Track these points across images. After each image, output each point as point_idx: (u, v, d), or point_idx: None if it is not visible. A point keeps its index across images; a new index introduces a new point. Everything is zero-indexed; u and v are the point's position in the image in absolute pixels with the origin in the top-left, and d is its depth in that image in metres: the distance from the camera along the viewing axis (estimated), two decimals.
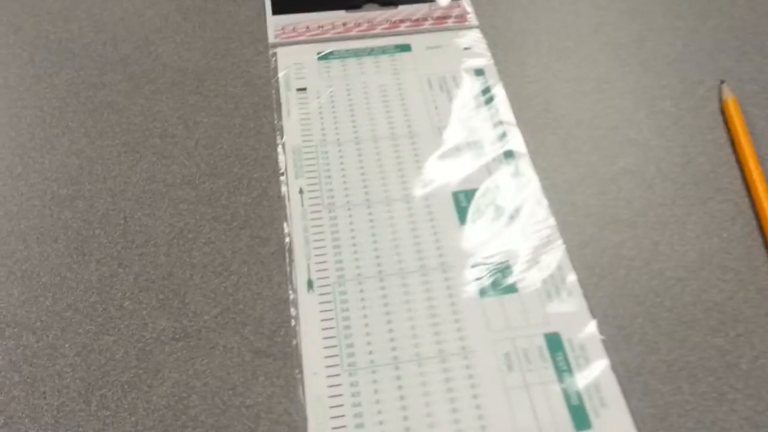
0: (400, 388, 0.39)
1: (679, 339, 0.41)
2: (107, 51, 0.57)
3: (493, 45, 0.57)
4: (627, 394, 0.39)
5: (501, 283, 0.43)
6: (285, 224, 0.46)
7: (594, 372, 0.39)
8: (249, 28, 0.59)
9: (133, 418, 0.38)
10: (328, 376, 0.39)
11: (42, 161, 0.49)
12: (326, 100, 0.53)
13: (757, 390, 0.39)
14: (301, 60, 0.56)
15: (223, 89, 0.54)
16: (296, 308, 0.42)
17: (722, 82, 0.53)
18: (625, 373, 0.40)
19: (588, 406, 0.38)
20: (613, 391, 0.39)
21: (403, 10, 0.60)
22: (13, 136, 0.51)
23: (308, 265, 0.44)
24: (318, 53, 0.56)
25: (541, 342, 0.41)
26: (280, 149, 0.50)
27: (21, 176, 0.49)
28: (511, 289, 0.43)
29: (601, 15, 0.59)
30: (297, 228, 0.45)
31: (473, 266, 0.44)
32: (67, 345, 0.41)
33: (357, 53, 0.56)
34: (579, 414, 0.38)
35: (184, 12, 0.60)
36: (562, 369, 0.39)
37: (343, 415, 0.38)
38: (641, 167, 0.49)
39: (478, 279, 0.43)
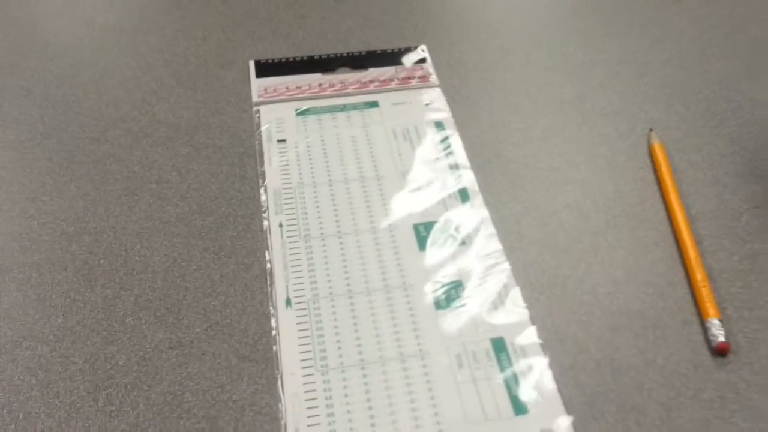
0: (365, 384, 0.45)
1: (606, 341, 0.48)
2: (109, 110, 0.64)
3: (452, 101, 0.65)
4: (560, 385, 0.45)
5: (454, 297, 0.50)
6: (266, 253, 0.52)
7: (532, 368, 0.46)
8: (235, 90, 0.66)
9: (135, 412, 0.44)
10: (304, 376, 0.46)
11: (52, 204, 0.56)
12: (303, 149, 0.60)
13: (670, 380, 0.45)
14: (281, 116, 0.63)
15: (212, 142, 0.61)
16: (276, 321, 0.48)
17: (651, 130, 0.61)
18: (560, 369, 0.46)
19: (526, 395, 0.44)
20: (548, 383, 0.45)
21: (373, 72, 0.68)
22: (26, 183, 0.58)
23: (287, 286, 0.50)
24: (296, 110, 0.64)
25: (488, 345, 0.47)
26: (262, 191, 0.57)
27: (33, 217, 0.55)
28: (463, 302, 0.49)
29: (547, 75, 0.67)
30: (277, 256, 0.52)
31: (431, 284, 0.50)
32: (76, 354, 0.47)
33: (331, 109, 0.64)
34: (518, 402, 0.44)
35: (177, 77, 0.68)
36: (505, 366, 0.46)
37: (316, 407, 0.44)
38: (579, 202, 0.56)
39: (434, 295, 0.50)
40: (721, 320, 0.48)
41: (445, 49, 0.70)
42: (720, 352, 0.47)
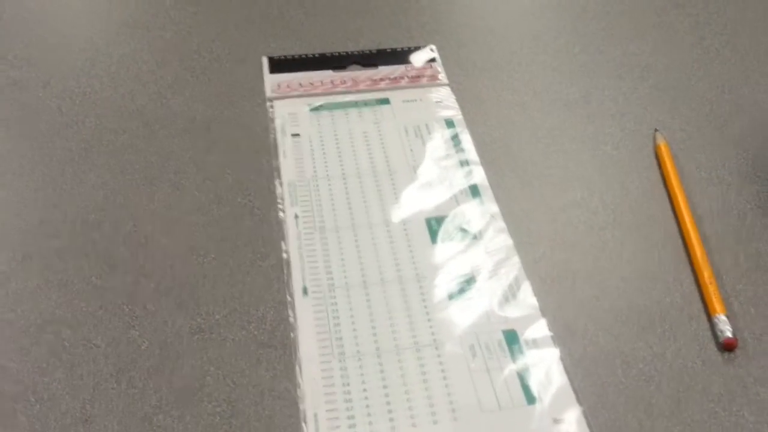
0: (382, 372, 0.46)
1: (615, 334, 0.49)
2: (125, 102, 0.65)
3: (461, 99, 0.66)
4: (571, 376, 0.46)
5: (466, 290, 0.51)
6: (282, 243, 0.54)
7: (544, 359, 0.47)
8: (249, 85, 0.67)
9: (157, 395, 0.45)
10: (321, 362, 0.47)
11: (72, 192, 0.57)
12: (317, 143, 0.61)
13: (679, 374, 0.47)
14: (294, 111, 0.64)
15: (227, 134, 0.62)
16: (293, 310, 0.50)
17: (656, 130, 0.63)
18: (570, 361, 0.48)
19: (538, 385, 0.46)
20: (559, 374, 0.46)
21: (383, 70, 0.69)
22: (46, 171, 0.59)
23: (303, 276, 0.52)
24: (309, 105, 0.65)
25: (500, 336, 0.48)
26: (277, 183, 0.58)
27: (54, 204, 0.56)
28: (475, 295, 0.51)
29: (554, 75, 0.69)
30: (293, 246, 0.53)
31: (443, 277, 0.52)
32: (99, 337, 0.48)
33: (343, 106, 0.65)
34: (530, 392, 0.46)
35: (192, 71, 0.69)
36: (518, 357, 0.47)
37: (334, 393, 0.45)
38: (586, 199, 0.58)
39: (447, 287, 0.51)
40: (727, 316, 0.49)
41: (454, 50, 0.72)
42: (727, 347, 0.48)
